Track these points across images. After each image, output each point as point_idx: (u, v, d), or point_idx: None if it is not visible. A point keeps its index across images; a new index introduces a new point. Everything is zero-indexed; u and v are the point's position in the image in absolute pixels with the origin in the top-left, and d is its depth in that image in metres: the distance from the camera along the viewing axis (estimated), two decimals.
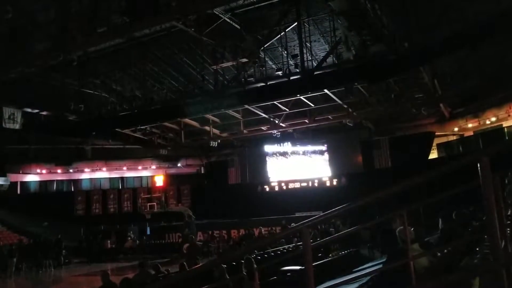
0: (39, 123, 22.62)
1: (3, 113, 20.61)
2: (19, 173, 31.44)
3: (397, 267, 4.17)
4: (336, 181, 27.05)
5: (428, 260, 5.07)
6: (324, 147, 28.02)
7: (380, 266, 6.40)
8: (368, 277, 5.10)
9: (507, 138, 22.00)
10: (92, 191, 32.27)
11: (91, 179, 33.19)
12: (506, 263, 2.76)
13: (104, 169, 33.01)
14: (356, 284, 4.99)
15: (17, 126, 20.80)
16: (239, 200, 26.62)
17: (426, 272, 4.63)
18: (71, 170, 32.59)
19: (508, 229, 3.92)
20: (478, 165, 2.62)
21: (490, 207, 2.69)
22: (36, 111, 22.24)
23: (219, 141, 25.24)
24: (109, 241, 26.59)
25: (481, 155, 2.63)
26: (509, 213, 5.53)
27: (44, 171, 32.14)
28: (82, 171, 32.90)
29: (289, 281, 7.22)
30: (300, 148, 28.31)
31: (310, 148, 28.26)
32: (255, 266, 7.03)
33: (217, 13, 15.61)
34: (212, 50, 18.55)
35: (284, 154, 28.84)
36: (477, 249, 4.75)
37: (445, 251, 5.25)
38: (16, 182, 31.35)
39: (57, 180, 32.84)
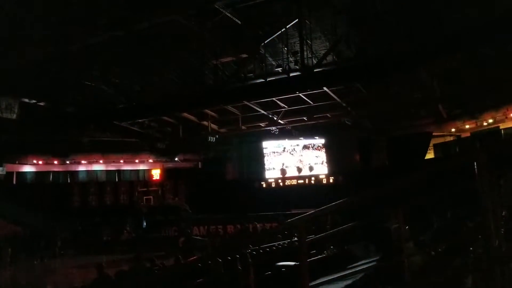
0: (36, 114, 22.56)
1: (0, 103, 20.55)
2: (15, 163, 31.35)
3: (392, 265, 4.20)
4: (333, 179, 27.09)
5: (422, 258, 5.10)
6: (322, 141, 27.99)
7: (375, 263, 6.43)
8: (362, 274, 5.12)
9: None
10: (88, 183, 32.24)
11: (87, 171, 33.13)
12: (500, 262, 2.78)
13: (101, 161, 32.95)
14: (350, 281, 5.01)
15: (14, 116, 20.75)
16: (236, 196, 26.63)
17: (420, 269, 4.66)
18: (67, 162, 32.51)
19: (502, 229, 3.95)
20: (475, 164, 2.64)
21: (486, 206, 2.71)
22: (34, 101, 22.17)
23: (217, 136, 25.25)
24: (105, 234, 26.59)
25: (479, 154, 2.66)
26: (503, 213, 5.57)
27: (40, 162, 32.06)
28: (79, 163, 32.81)
29: (283, 277, 7.24)
30: (297, 142, 28.22)
31: (307, 142, 28.20)
32: (250, 261, 7.06)
33: (217, 7, 15.58)
34: (212, 45, 18.52)
35: (281, 150, 28.81)
36: (471, 248, 4.78)
37: (439, 249, 5.28)
38: (12, 173, 31.26)
39: (53, 172, 32.76)
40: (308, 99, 21.01)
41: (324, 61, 16.95)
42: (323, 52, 18.02)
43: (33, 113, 22.56)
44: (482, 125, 23.61)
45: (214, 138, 24.91)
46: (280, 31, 17.37)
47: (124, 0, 15.83)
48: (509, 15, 13.33)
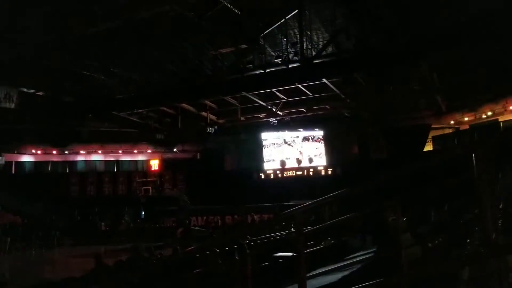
0: (35, 104, 22.51)
1: None
2: (14, 153, 31.32)
3: (389, 256, 4.22)
4: (331, 171, 27.10)
5: (419, 249, 5.11)
6: (321, 133, 27.95)
7: (372, 255, 6.45)
8: (360, 265, 5.14)
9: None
10: (87, 174, 32.26)
11: (86, 161, 33.11)
12: (496, 254, 2.79)
13: (100, 151, 32.92)
14: (347, 272, 5.02)
15: (12, 106, 20.71)
16: (234, 187, 26.65)
17: (417, 261, 4.68)
18: (66, 152, 32.47)
19: (500, 221, 3.96)
20: (473, 156, 2.63)
21: (484, 199, 2.70)
22: (33, 91, 22.11)
23: (216, 127, 25.21)
24: (103, 224, 26.64)
25: (477, 146, 2.65)
26: (500, 206, 5.58)
27: (39, 152, 32.03)
28: (78, 153, 32.78)
29: (281, 267, 7.27)
30: (296, 134, 28.20)
31: (307, 133, 28.15)
32: (247, 251, 7.07)
33: None
34: (212, 35, 18.45)
35: (280, 142, 28.78)
36: (468, 240, 4.80)
37: (437, 241, 5.30)
38: (11, 162, 31.26)
39: (52, 161, 32.74)
40: (307, 90, 20.96)
41: (324, 52, 16.91)
42: (322, 43, 17.95)
43: (32, 103, 22.51)
44: (481, 118, 23.59)
45: (213, 129, 24.88)
46: (279, 22, 17.31)
47: None
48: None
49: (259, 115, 24.95)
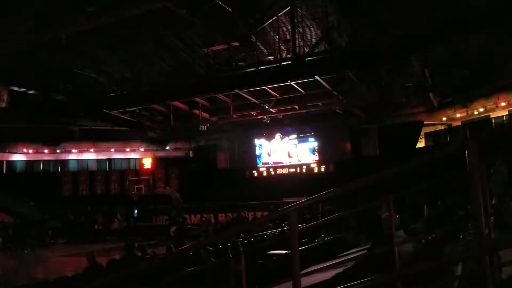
0: (26, 102, 22.34)
1: None
2: (5, 152, 31.10)
3: (382, 253, 4.22)
4: (324, 168, 27.17)
5: (412, 246, 5.14)
6: (314, 130, 28.00)
7: (366, 251, 6.47)
8: (353, 262, 5.15)
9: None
10: (79, 172, 32.10)
11: (78, 160, 32.94)
12: (489, 250, 2.80)
13: (92, 150, 32.76)
14: (341, 269, 5.02)
15: (3, 105, 20.53)
16: (227, 185, 26.65)
17: (410, 258, 4.69)
18: (58, 151, 32.29)
19: (492, 217, 3.98)
20: (466, 152, 2.63)
21: (476, 195, 2.71)
22: (23, 90, 21.93)
23: (208, 125, 25.13)
24: (95, 222, 26.52)
25: (470, 142, 2.65)
26: (493, 202, 5.61)
27: (30, 151, 31.82)
28: (70, 152, 32.62)
29: (274, 265, 7.27)
30: (290, 138, 28.31)
31: (300, 132, 28.22)
32: (241, 249, 7.07)
33: None
34: (203, 32, 18.39)
35: (273, 139, 28.81)
36: (461, 236, 4.83)
37: (430, 238, 5.33)
38: (2, 161, 31.05)
39: (43, 160, 32.55)
40: (300, 87, 20.95)
41: (316, 50, 16.90)
42: (314, 40, 17.96)
43: (23, 101, 22.32)
44: (472, 114, 23.73)
45: (205, 126, 24.80)
46: (271, 19, 17.27)
47: None
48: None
49: (252, 113, 24.90)
